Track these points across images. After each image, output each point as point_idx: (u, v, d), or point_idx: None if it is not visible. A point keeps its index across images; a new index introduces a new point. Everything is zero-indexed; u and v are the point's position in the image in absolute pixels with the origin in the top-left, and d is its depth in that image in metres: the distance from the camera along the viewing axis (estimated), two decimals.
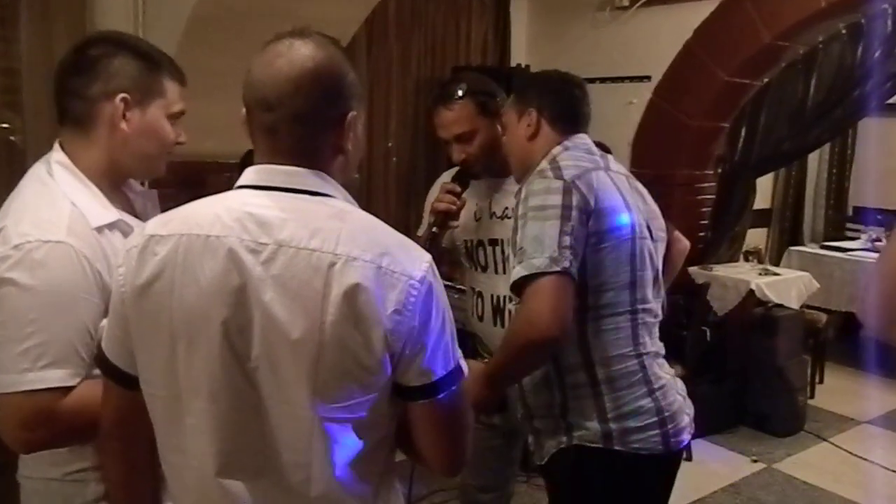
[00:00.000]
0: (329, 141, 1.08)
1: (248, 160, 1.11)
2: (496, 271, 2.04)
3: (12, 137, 3.49)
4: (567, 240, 1.51)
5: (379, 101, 4.38)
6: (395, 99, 4.46)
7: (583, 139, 1.74)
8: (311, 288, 0.98)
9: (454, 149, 1.98)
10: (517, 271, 1.52)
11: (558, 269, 1.48)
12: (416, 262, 1.03)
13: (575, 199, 1.55)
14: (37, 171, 1.30)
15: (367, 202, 4.38)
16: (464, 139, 1.95)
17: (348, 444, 1.04)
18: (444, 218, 1.90)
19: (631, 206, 1.66)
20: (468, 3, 4.69)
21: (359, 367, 1.00)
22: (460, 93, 1.94)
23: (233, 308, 1.00)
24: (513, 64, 4.81)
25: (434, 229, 1.90)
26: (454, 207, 1.90)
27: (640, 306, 1.65)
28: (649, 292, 1.68)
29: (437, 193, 2.00)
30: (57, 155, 1.30)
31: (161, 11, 3.25)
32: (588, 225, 1.56)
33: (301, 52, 1.04)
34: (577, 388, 1.63)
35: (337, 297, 0.98)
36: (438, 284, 1.06)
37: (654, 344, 1.70)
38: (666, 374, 1.70)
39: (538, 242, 1.51)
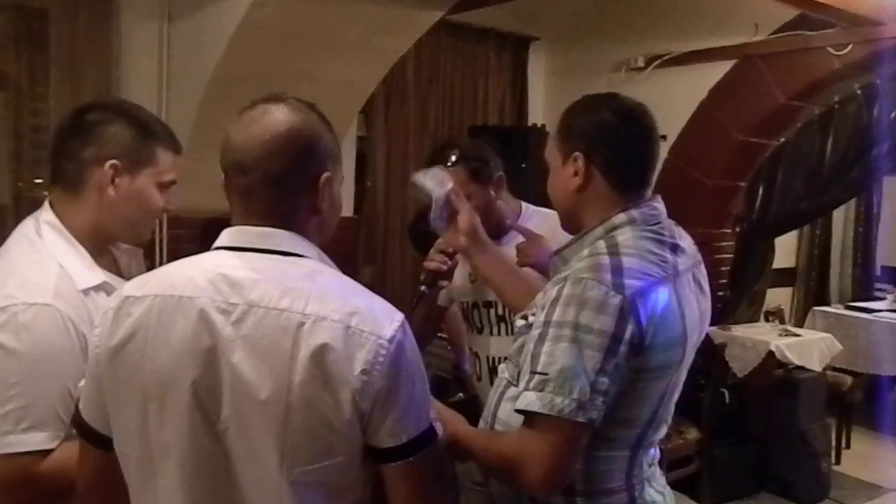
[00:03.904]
0: (303, 202, 1.10)
1: None
2: (490, 332, 2.05)
3: (45, 192, 3.61)
4: (604, 382, 1.18)
5: (396, 159, 4.45)
6: (413, 157, 4.53)
7: (654, 210, 1.36)
8: (280, 348, 0.99)
9: None
10: (530, 400, 1.19)
11: (583, 420, 1.17)
12: (387, 321, 1.04)
13: (629, 331, 1.20)
14: (25, 230, 1.33)
15: (383, 260, 4.42)
16: None
17: None
18: (435, 277, 1.90)
19: (689, 332, 1.32)
20: (486, 63, 4.79)
21: (327, 428, 1.00)
22: (453, 158, 1.94)
23: (203, 369, 1.01)
24: (529, 123, 4.88)
25: (423, 288, 1.89)
26: (444, 267, 1.89)
27: (646, 441, 1.35)
28: (665, 426, 1.40)
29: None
30: (46, 214, 1.33)
31: (185, 71, 3.36)
32: (632, 361, 1.22)
33: (274, 117, 1.08)
34: None
35: (305, 357, 0.98)
36: (410, 344, 1.06)
37: (651, 464, 1.42)
38: (658, 494, 1.41)
39: (567, 377, 1.18)
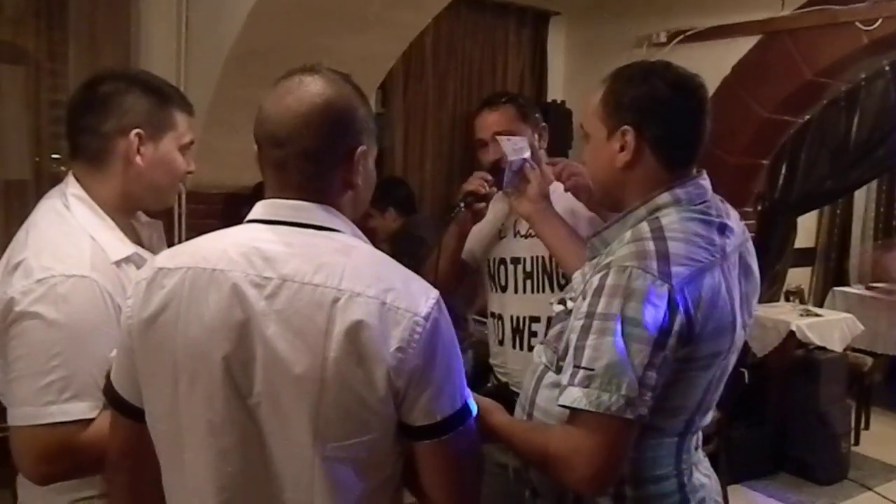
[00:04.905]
0: (338, 176, 1.08)
1: (259, 190, 1.12)
2: (515, 290, 2.04)
3: (63, 168, 3.63)
4: (652, 377, 1.13)
5: (415, 136, 4.42)
6: (431, 133, 4.49)
7: (700, 188, 1.28)
8: (314, 324, 0.98)
9: (490, 149, 2.00)
10: (576, 396, 1.14)
11: (631, 416, 1.13)
12: (422, 298, 1.02)
13: (678, 322, 1.14)
14: (52, 203, 1.32)
15: None
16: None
17: (351, 483, 1.03)
18: (472, 197, 1.91)
19: (738, 316, 1.26)
20: (505, 39, 4.72)
21: (361, 406, 0.99)
22: (504, 98, 2.05)
23: (235, 343, 1.00)
24: (549, 100, 4.82)
25: (461, 204, 1.91)
26: (483, 190, 1.91)
27: (694, 427, 1.31)
28: (712, 411, 1.35)
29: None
30: (73, 188, 1.33)
31: (203, 46, 3.34)
32: (680, 352, 1.17)
33: (309, 89, 1.05)
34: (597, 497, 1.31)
35: (339, 333, 0.97)
36: (445, 320, 1.04)
37: (697, 448, 1.37)
38: (705, 478, 1.36)
39: (615, 373, 1.12)
